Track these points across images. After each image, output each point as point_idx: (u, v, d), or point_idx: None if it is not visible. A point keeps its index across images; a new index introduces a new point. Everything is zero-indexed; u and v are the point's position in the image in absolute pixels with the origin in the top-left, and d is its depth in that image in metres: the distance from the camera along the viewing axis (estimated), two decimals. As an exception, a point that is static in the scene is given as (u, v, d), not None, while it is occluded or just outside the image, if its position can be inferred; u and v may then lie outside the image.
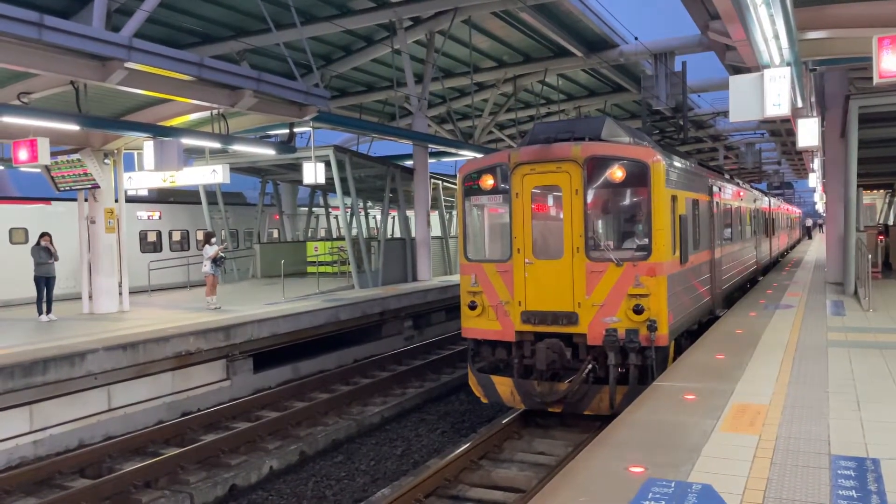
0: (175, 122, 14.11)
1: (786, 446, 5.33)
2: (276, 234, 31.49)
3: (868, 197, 36.46)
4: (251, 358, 13.34)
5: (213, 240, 16.05)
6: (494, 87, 24.94)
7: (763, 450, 5.27)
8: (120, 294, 15.66)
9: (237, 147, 15.21)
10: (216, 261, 15.70)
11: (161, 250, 24.64)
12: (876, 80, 8.52)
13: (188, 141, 13.98)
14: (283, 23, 16.20)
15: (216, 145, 15.06)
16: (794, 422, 5.93)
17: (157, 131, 13.15)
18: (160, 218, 25.17)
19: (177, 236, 25.76)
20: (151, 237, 24.78)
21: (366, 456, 10.31)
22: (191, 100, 12.02)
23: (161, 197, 26.68)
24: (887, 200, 30.19)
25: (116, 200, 15.59)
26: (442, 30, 19.58)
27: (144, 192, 23.90)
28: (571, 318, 9.25)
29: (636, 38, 21.18)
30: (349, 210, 22.30)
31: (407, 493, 7.64)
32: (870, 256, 13.64)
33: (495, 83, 24.82)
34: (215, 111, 13.73)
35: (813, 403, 6.46)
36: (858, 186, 15.41)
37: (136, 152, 15.95)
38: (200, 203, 23.61)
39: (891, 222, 28.42)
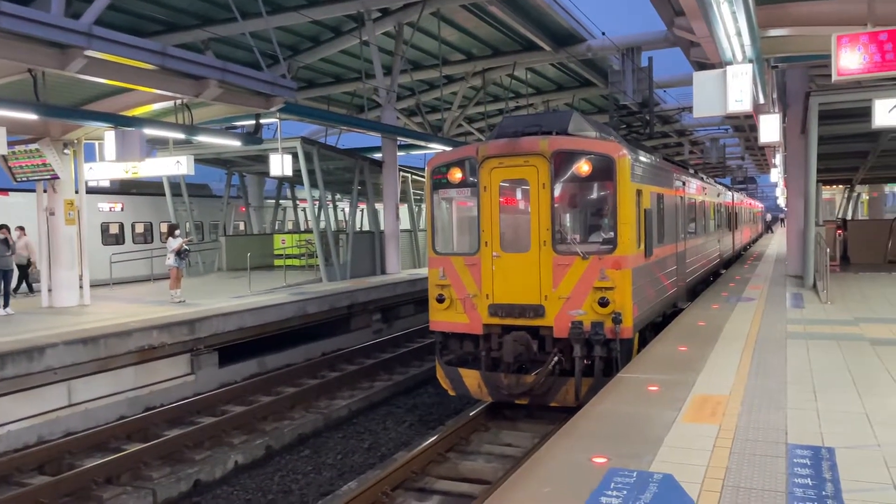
0: (137, 111, 13.83)
1: (745, 436, 5.45)
2: (242, 227, 31.13)
3: (827, 192, 37.36)
4: (216, 352, 13.18)
5: (177, 232, 15.78)
6: (464, 80, 24.94)
7: (723, 439, 5.38)
8: (80, 287, 15.33)
9: (202, 138, 14.96)
10: (180, 253, 15.46)
11: (123, 243, 24.21)
12: (835, 78, 8.71)
13: (151, 131, 13.71)
14: (249, 12, 15.95)
15: (180, 136, 14.78)
16: (753, 412, 6.06)
17: (118, 121, 12.88)
18: (122, 210, 24.71)
19: (140, 228, 25.32)
20: (113, 229, 24.32)
21: (332, 450, 10.27)
22: (154, 89, 11.78)
23: (123, 188, 26.20)
24: (846, 195, 30.94)
25: (77, 192, 15.25)
26: (411, 21, 19.50)
27: (106, 184, 23.45)
28: (538, 310, 9.32)
29: (603, 34, 21.36)
30: (317, 203, 22.15)
31: (374, 487, 7.63)
32: (828, 250, 14.00)
33: (464, 76, 24.81)
34: (179, 101, 13.48)
35: (771, 394, 6.61)
36: (818, 182, 15.79)
37: (97, 142, 15.58)
38: (164, 195, 23.22)
39: (849, 217, 29.15)
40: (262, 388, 12.75)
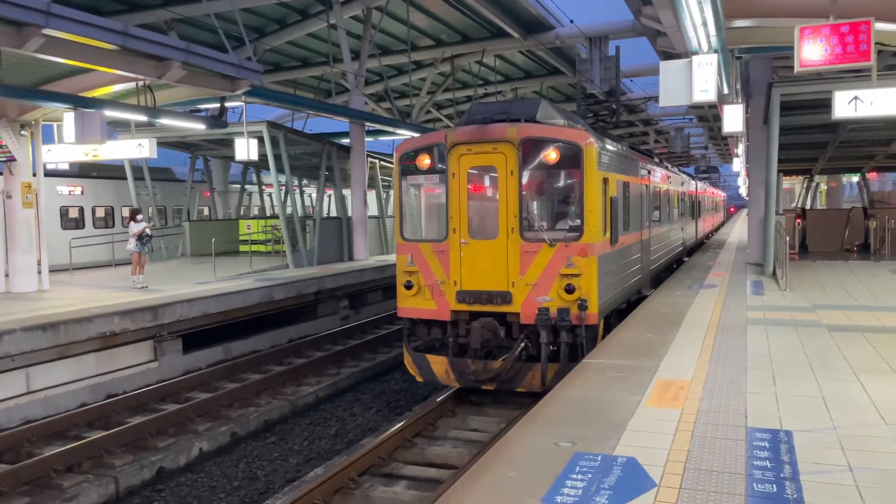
0: (98, 92, 13.48)
1: (706, 419, 5.57)
2: (206, 212, 30.64)
3: (787, 182, 38.18)
4: (180, 339, 13.00)
5: (139, 216, 15.47)
6: (432, 66, 24.81)
7: (685, 423, 5.49)
8: (39, 272, 14.97)
9: (165, 121, 14.64)
10: (141, 238, 15.17)
11: (84, 227, 23.65)
12: (797, 69, 8.88)
13: (112, 113, 13.39)
14: (213, -8, 15.66)
15: (142, 118, 14.47)
16: (715, 396, 6.20)
17: (78, 102, 12.55)
18: (82, 193, 24.12)
19: (101, 213, 24.75)
20: (73, 213, 23.73)
21: (299, 436, 10.23)
22: (114, 70, 11.46)
23: (84, 171, 25.58)
24: (805, 185, 31.67)
25: (34, 174, 14.84)
26: (379, 5, 19.31)
27: (66, 166, 22.86)
28: (505, 297, 9.38)
29: (571, 21, 21.41)
30: (283, 188, 21.90)
31: (340, 473, 7.63)
32: (788, 239, 14.31)
33: (433, 62, 24.69)
34: (141, 83, 13.18)
35: (732, 379, 6.76)
36: (779, 171, 16.10)
37: (55, 124, 15.16)
38: (126, 178, 22.73)
39: (808, 206, 29.85)
40: (228, 375, 12.63)
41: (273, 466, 9.14)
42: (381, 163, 26.04)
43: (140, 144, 15.31)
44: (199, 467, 9.09)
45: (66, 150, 15.84)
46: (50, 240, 15.85)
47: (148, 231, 15.33)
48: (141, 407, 10.85)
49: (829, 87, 12.06)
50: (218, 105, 16.14)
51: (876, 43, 8.69)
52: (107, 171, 25.88)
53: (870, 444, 4.94)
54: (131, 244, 15.21)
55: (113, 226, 24.53)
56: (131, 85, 13.39)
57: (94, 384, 11.32)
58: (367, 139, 22.51)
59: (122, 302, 12.76)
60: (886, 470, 4.48)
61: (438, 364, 9.91)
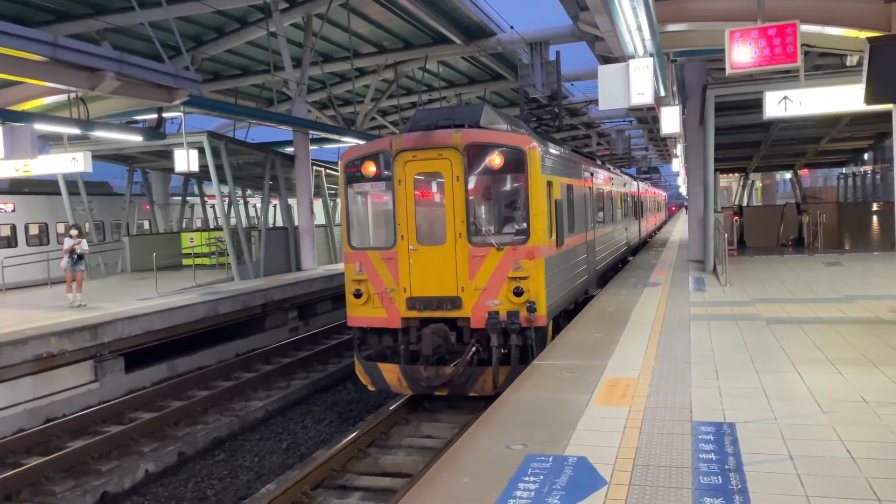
0: (27, 105, 13.03)
1: (653, 416, 5.68)
2: (147, 226, 29.81)
3: (724, 180, 39.40)
4: (122, 357, 12.60)
5: (73, 232, 14.80)
6: (376, 73, 24.73)
7: (633, 420, 5.59)
8: (-32, 294, 14.31)
9: (99, 133, 14.20)
10: (72, 255, 14.53)
11: (16, 245, 22.72)
12: (728, 71, 9.17)
13: (42, 126, 12.91)
14: (147, 1, 15.25)
15: (75, 131, 13.99)
16: (661, 392, 6.33)
17: (5, 116, 12.08)
18: (14, 210, 23.16)
19: (34, 230, 23.82)
20: (4, 231, 22.78)
21: (249, 452, 10.03)
22: (44, 82, 11.06)
23: (15, 187, 24.57)
24: (741, 183, 32.74)
25: (-39, 192, 14.21)
26: (320, 13, 19.15)
27: (-5, 183, 21.94)
28: (455, 302, 9.40)
29: (512, 28, 21.66)
30: (226, 199, 21.47)
31: (293, 487, 7.51)
32: (726, 235, 14.76)
33: (376, 69, 24.61)
34: (73, 95, 12.75)
35: (677, 374, 6.92)
36: (716, 170, 16.60)
37: (-18, 139, 14.52)
38: (60, 194, 21.92)
39: (744, 203, 30.86)
40: (173, 393, 12.30)
41: (223, 485, 8.93)
42: (327, 171, 25.78)
43: (74, 158, 14.82)
44: (146, 490, 8.82)
45: (-6, 166, 15.19)
46: (-21, 260, 15.13)
47: (77, 250, 14.59)
48: (82, 430, 10.46)
49: (760, 87, 12.51)
50: (156, 116, 15.74)
51: (802, 44, 9.05)
52: (40, 187, 24.91)
53: (809, 433, 5.12)
54: (63, 261, 14.64)
55: (48, 243, 23.62)
56: (63, 97, 12.98)
57: (31, 408, 10.87)
58: (311, 147, 22.28)
59: (59, 322, 12.28)
60: (825, 457, 4.64)
61: (390, 372, 9.86)
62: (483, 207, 10.11)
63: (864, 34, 9.53)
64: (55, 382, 11.37)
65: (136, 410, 11.41)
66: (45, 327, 11.73)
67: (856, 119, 17.01)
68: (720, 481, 4.31)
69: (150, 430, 10.30)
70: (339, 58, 23.35)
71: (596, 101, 16.60)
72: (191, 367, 14.10)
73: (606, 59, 14.56)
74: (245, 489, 8.72)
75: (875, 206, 21.09)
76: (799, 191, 30.13)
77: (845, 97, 10.47)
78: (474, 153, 9.39)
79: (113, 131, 14.40)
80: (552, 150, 10.72)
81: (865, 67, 8.76)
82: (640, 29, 9.07)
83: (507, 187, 9.95)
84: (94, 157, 15.85)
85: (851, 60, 13.25)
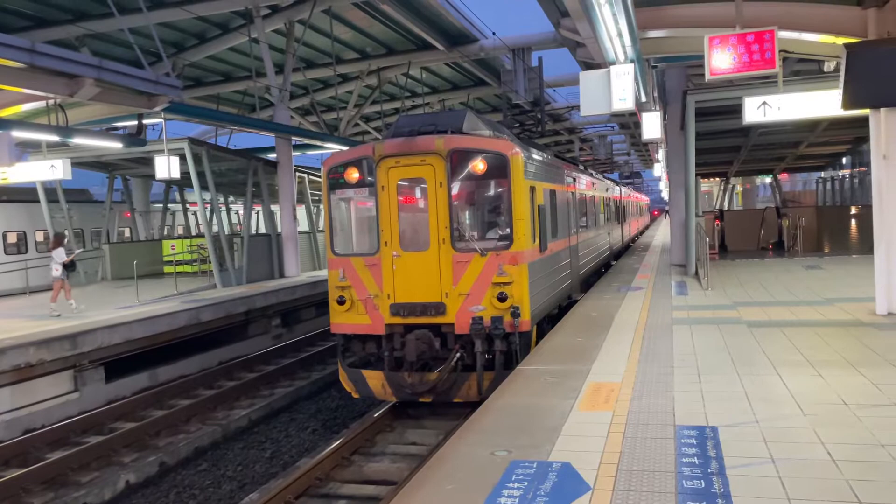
0: (4, 112, 12.82)
1: (636, 420, 5.70)
2: (127, 233, 29.52)
3: (706, 184, 39.79)
4: (102, 367, 12.44)
5: (66, 241, 14.69)
6: (359, 79, 24.72)
7: (616, 425, 5.60)
8: (-56, 304, 14.08)
9: (78, 140, 14.03)
10: (68, 266, 14.54)
11: (-6, 254, 22.39)
12: (708, 77, 9.27)
13: (20, 134, 12.77)
14: (127, 7, 15.13)
15: (54, 138, 13.82)
16: (644, 396, 6.35)
17: (-18, 123, 11.90)
18: (-8, 218, 22.85)
19: (12, 238, 23.50)
20: (-18, 240, 22.46)
21: (232, 461, 9.93)
22: (22, 89, 10.93)
23: (-8, 195, 24.24)
24: (722, 187, 33.06)
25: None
26: (302, 19, 19.12)
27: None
28: (439, 308, 9.38)
29: (494, 34, 21.73)
30: (208, 206, 21.32)
31: (276, 496, 7.44)
32: (708, 239, 14.88)
33: (359, 75, 24.60)
34: (52, 101, 12.59)
35: (660, 378, 6.95)
36: (697, 175, 16.74)
37: (-42, 146, 14.32)
38: (39, 201, 21.66)
39: (725, 207, 31.15)
40: (155, 402, 12.17)
41: (205, 495, 8.83)
42: (310, 177, 25.69)
43: (53, 166, 14.65)
44: (126, 501, 8.71)
45: (-30, 174, 14.98)
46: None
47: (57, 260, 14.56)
48: (61, 441, 10.31)
49: (739, 93, 12.63)
50: (136, 122, 15.60)
51: (780, 50, 9.17)
52: (18, 195, 24.59)
53: (790, 436, 5.15)
54: (58, 271, 14.49)
55: (26, 251, 23.32)
56: (41, 103, 12.78)
57: (9, 419, 10.70)
58: (294, 153, 22.17)
59: (38, 331, 12.11)
60: (806, 459, 4.68)
61: (374, 379, 9.82)
62: (466, 213, 10.11)
63: (841, 40, 9.65)
64: (34, 393, 11.20)
65: (117, 420, 11.27)
66: (24, 337, 11.56)
67: (834, 124, 17.24)
68: (703, 485, 4.33)
69: (131, 441, 10.17)
70: (322, 64, 23.33)
71: (578, 107, 16.70)
72: (173, 375, 13.95)
73: (588, 65, 14.65)
74: (228, 499, 8.63)
75: (853, 210, 21.35)
76: (779, 195, 30.49)
77: (823, 102, 10.60)
78: (457, 159, 9.40)
79: (92, 138, 14.22)
80: (535, 156, 10.76)
81: (843, 73, 8.90)
82: (620, 35, 9.14)
83: (491, 193, 9.97)
84: (73, 164, 15.68)
85: (829, 66, 13.42)
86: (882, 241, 9.49)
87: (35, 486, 8.59)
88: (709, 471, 4.55)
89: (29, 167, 15.10)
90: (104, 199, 26.12)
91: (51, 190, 21.88)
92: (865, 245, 17.86)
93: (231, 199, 30.02)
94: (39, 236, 23.77)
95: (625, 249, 27.76)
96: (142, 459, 9.59)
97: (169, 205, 29.99)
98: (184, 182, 23.71)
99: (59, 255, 14.52)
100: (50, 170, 14.60)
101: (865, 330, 8.84)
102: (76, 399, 11.84)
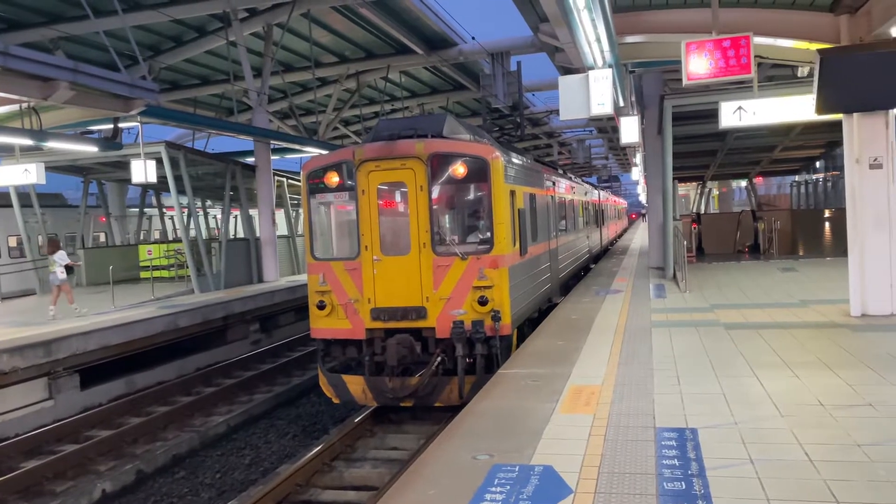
0: (-24, 116, 12.60)
1: (617, 423, 5.72)
2: (103, 238, 29.13)
3: (683, 188, 40.20)
4: (77, 374, 12.24)
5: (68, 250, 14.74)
6: (337, 83, 24.62)
7: (597, 427, 5.63)
8: (-86, 311, 13.79)
9: (53, 144, 13.82)
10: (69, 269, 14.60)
11: (-35, 260, 21.98)
12: (685, 82, 9.37)
13: (-7, 137, 12.53)
14: (102, 10, 14.94)
15: (27, 142, 13.59)
16: (624, 399, 6.39)
17: (-47, 126, 11.67)
18: (-37, 224, 22.43)
19: (-16, 243, 23.08)
20: (-47, 245, 22.03)
21: (210, 469, 9.81)
22: (-6, 92, 10.75)
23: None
24: (699, 191, 33.42)
25: None
26: (280, 22, 19.01)
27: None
28: (420, 312, 9.37)
29: (473, 38, 21.79)
30: (185, 210, 21.10)
31: (256, 503, 7.36)
32: (685, 242, 15.03)
33: (338, 79, 24.51)
34: (25, 104, 12.40)
35: (640, 381, 7.00)
36: (674, 179, 16.91)
37: (-72, 150, 14.06)
38: (11, 206, 21.29)
39: (702, 211, 31.49)
40: (131, 409, 12.00)
41: (184, 503, 8.72)
42: (289, 181, 25.55)
43: (26, 170, 14.43)
44: (103, 510, 8.56)
45: (-59, 178, 14.70)
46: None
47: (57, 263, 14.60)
48: (35, 450, 10.13)
49: (715, 98, 12.79)
50: (112, 126, 15.41)
51: (756, 56, 9.29)
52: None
53: (768, 437, 5.21)
54: (63, 274, 14.39)
55: (-1, 257, 22.93)
56: (14, 107, 12.59)
57: (-20, 429, 10.49)
58: (273, 157, 22.04)
59: (11, 338, 11.88)
60: (784, 460, 4.73)
61: (355, 384, 9.77)
62: (447, 217, 10.11)
63: (815, 46, 9.82)
64: (7, 401, 10.98)
65: (93, 428, 11.10)
66: (-4, 344, 11.34)
67: (808, 128, 17.52)
68: (684, 487, 4.36)
69: (107, 449, 10.02)
70: (301, 67, 23.22)
71: (557, 111, 16.81)
72: (150, 382, 13.77)
73: (566, 70, 14.72)
74: (207, 507, 8.53)
75: (827, 213, 21.72)
76: (754, 198, 30.88)
77: (797, 107, 10.76)
78: (437, 163, 9.40)
79: (67, 142, 14.02)
80: (515, 160, 10.80)
81: (816, 78, 9.05)
82: (598, 40, 9.21)
83: (471, 197, 9.98)
84: (47, 168, 15.43)
85: (802, 71, 13.64)
86: (856, 244, 9.66)
87: (9, 496, 8.43)
88: (689, 472, 4.58)
89: (2, 171, 14.85)
90: (79, 203, 25.76)
91: (24, 195, 21.53)
92: (839, 248, 18.16)
93: (209, 203, 29.76)
94: (12, 241, 23.36)
95: (604, 252, 27.94)
96: (118, 468, 9.44)
97: (145, 209, 29.67)
98: (160, 186, 23.47)
99: (62, 257, 14.49)
100: (23, 174, 14.38)
101: (840, 331, 8.97)
102: (51, 407, 11.64)
